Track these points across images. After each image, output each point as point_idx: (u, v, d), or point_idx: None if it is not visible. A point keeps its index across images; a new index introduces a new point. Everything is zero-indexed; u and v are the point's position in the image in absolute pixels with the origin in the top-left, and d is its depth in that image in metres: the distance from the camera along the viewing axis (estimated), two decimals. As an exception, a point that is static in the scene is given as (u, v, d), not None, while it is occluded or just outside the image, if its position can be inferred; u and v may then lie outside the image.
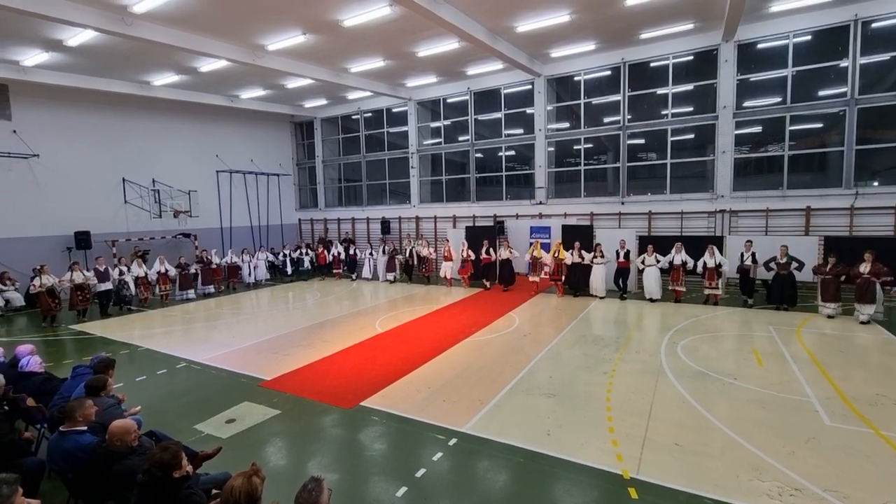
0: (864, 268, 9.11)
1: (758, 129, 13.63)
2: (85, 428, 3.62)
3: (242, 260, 16.36)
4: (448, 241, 15.69)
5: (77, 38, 11.03)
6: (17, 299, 12.86)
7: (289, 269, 17.41)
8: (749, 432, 4.99)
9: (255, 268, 16.57)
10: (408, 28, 11.62)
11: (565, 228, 13.90)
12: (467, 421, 5.45)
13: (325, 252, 17.75)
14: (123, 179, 16.44)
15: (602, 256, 12.28)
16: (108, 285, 12.22)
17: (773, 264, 10.49)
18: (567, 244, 12.73)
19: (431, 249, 15.92)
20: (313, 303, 13.18)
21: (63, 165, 15.03)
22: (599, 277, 12.31)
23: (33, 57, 12.37)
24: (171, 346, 9.12)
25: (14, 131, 14.00)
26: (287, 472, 4.54)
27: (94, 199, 15.71)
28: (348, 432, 5.36)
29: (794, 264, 10.32)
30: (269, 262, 17.51)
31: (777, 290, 10.51)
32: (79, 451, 3.48)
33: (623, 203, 14.99)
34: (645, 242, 12.26)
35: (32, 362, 5.42)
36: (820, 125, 12.93)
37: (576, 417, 5.50)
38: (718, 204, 13.57)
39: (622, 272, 12.24)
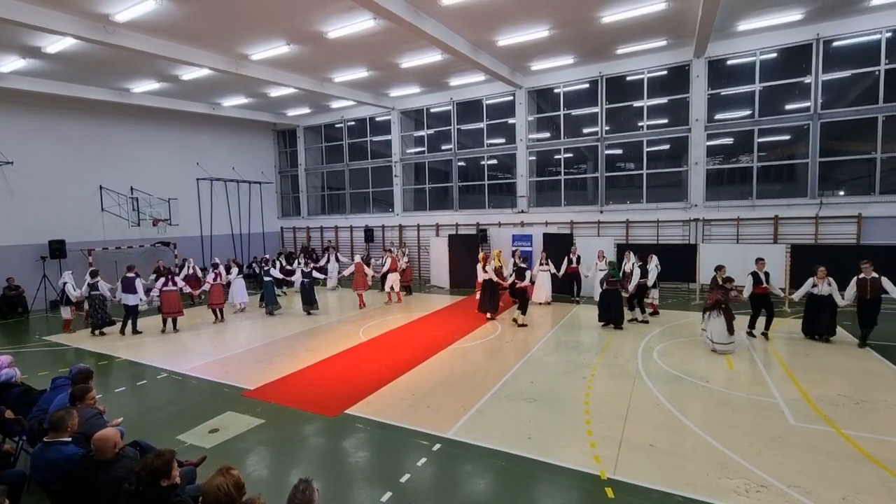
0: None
1: (729, 140, 14.21)
2: (69, 439, 3.63)
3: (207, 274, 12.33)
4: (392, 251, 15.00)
5: (56, 45, 10.89)
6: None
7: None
8: (719, 433, 5.22)
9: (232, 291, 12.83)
10: (391, 40, 11.81)
11: (546, 236, 14.20)
12: (451, 427, 5.56)
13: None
14: (101, 187, 16.16)
15: (547, 264, 12.74)
16: (134, 299, 10.80)
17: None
18: (549, 252, 12.99)
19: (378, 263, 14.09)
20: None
21: (38, 173, 14.70)
22: (542, 284, 12.73)
23: (9, 63, 12.13)
24: (151, 357, 9.00)
25: (-14, 138, 13.69)
26: (272, 481, 4.57)
27: (69, 208, 15.38)
28: (333, 440, 5.42)
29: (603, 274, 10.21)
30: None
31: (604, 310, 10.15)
32: (64, 461, 3.48)
33: (602, 212, 15.38)
34: (622, 250, 12.56)
35: (9, 374, 5.34)
36: (787, 137, 13.56)
37: (556, 421, 5.67)
38: (692, 213, 14.05)
39: (574, 276, 12.83)
